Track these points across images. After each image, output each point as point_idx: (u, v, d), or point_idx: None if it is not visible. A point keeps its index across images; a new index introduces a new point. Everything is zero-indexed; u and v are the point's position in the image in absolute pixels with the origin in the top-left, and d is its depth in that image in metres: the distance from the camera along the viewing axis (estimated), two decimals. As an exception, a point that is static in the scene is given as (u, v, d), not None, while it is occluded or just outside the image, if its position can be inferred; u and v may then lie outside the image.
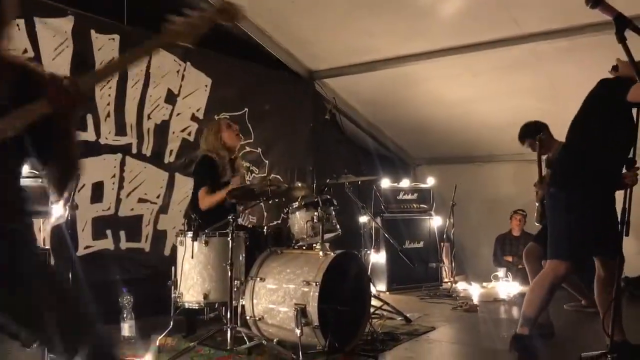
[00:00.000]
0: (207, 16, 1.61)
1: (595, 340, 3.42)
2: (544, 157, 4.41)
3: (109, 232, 4.44)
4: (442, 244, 6.95)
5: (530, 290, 3.38)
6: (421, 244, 6.76)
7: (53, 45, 4.15)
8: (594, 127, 3.27)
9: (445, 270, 6.99)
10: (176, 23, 1.60)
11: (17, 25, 4.12)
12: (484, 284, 6.53)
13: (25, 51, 4.05)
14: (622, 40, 1.89)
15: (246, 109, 5.80)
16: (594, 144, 3.24)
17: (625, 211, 2.89)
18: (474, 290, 6.02)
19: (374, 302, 4.47)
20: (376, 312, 4.60)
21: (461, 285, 6.58)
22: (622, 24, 1.90)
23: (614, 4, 2.04)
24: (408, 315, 4.67)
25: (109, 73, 1.85)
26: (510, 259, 6.81)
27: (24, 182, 2.06)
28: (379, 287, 6.23)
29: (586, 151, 3.26)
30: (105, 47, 4.51)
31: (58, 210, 3.64)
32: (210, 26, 1.62)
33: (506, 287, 6.07)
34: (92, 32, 4.43)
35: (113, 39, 4.56)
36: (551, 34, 4.96)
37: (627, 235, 2.89)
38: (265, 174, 5.93)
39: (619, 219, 3.07)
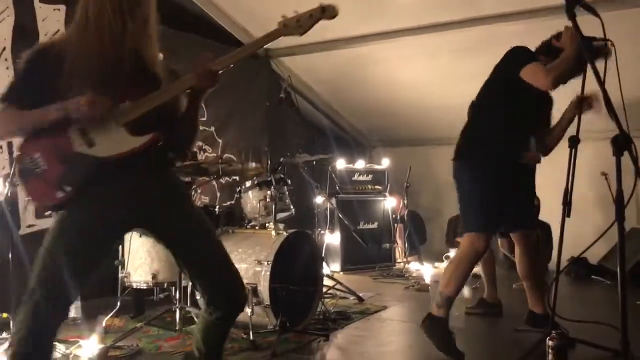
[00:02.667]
0: (314, 15, 1.91)
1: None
2: None
3: (53, 210, 4.27)
4: (395, 225, 7.00)
5: (448, 268, 3.24)
6: (375, 225, 6.79)
7: (-8, 13, 3.95)
8: (497, 100, 3.27)
9: (399, 251, 7.06)
10: (289, 19, 1.93)
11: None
12: (436, 264, 6.62)
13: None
14: (572, 17, 1.90)
15: (199, 87, 5.64)
16: (495, 118, 3.24)
17: (567, 192, 2.91)
18: (426, 271, 6.10)
19: (327, 281, 4.47)
20: (329, 291, 4.61)
21: (414, 266, 6.66)
22: (572, 0, 1.91)
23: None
24: (361, 294, 4.70)
25: (237, 59, 2.06)
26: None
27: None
28: (332, 267, 6.25)
29: (488, 123, 3.27)
30: (50, 17, 4.30)
31: (-4, 187, 3.48)
32: (315, 24, 1.93)
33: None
34: (36, 1, 4.22)
35: (58, 9, 4.35)
36: (507, 16, 5.00)
37: (568, 216, 2.92)
38: (218, 153, 5.82)
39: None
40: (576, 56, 2.84)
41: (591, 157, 5.97)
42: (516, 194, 3.30)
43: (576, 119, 2.98)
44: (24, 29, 4.10)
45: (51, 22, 4.29)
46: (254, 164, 4.76)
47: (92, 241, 1.97)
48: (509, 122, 3.22)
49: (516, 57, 3.18)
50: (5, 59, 3.98)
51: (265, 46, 6.84)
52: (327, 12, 1.90)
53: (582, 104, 3.06)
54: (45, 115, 1.92)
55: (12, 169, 3.43)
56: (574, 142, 2.91)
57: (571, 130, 3.08)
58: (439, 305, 3.16)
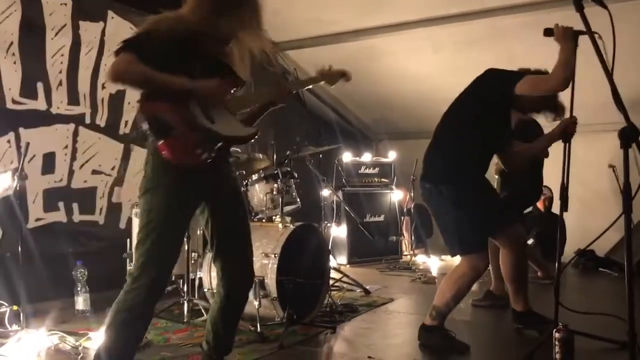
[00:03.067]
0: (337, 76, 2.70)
1: (548, 312, 3.49)
2: None
3: (61, 204, 4.29)
4: (402, 217, 7.00)
5: (447, 285, 3.17)
6: (382, 218, 6.80)
7: (0, 8, 3.95)
8: (471, 123, 3.19)
9: (405, 244, 7.06)
10: (324, 72, 2.69)
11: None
12: (443, 257, 6.62)
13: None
14: (579, 9, 1.89)
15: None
16: (470, 139, 3.16)
17: (563, 187, 2.90)
18: (432, 263, 6.11)
19: (333, 274, 4.48)
20: (336, 284, 4.62)
21: (420, 258, 6.67)
22: (579, -8, 1.90)
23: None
24: (367, 287, 4.71)
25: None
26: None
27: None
28: (339, 260, 6.26)
29: (461, 145, 3.17)
30: (57, 12, 4.31)
31: (5, 181, 3.50)
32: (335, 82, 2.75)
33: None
34: (42, -5, 4.23)
35: (65, 3, 4.36)
36: (512, 8, 4.97)
37: (566, 210, 2.91)
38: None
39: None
40: (575, 49, 2.83)
41: (603, 149, 5.96)
42: (494, 200, 3.31)
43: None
44: (31, 24, 4.11)
45: (58, 17, 4.31)
46: (261, 156, 4.76)
47: (184, 205, 2.28)
48: (485, 142, 3.21)
49: (502, 76, 3.18)
50: (13, 54, 4.00)
51: (270, 39, 6.78)
52: (346, 77, 2.72)
53: (567, 131, 3.05)
54: (177, 82, 2.13)
55: (21, 162, 3.45)
56: (567, 136, 2.91)
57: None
58: (433, 318, 3.16)
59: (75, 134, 4.41)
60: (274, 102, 2.55)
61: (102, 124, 4.60)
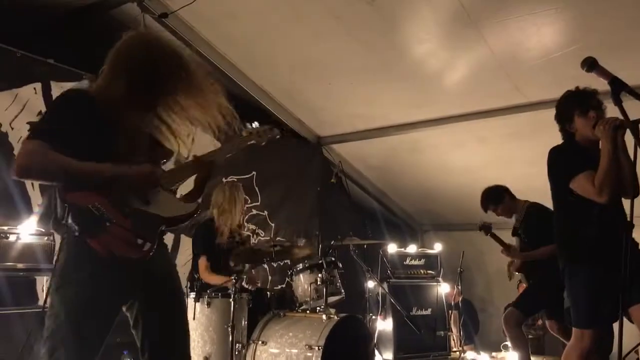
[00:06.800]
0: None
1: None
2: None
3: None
4: (450, 311, 6.80)
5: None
6: (429, 311, 6.61)
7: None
8: (559, 202, 3.22)
9: (454, 339, 6.81)
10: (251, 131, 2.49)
11: (34, 88, 4.27)
12: (494, 353, 6.35)
13: (40, 113, 4.18)
14: (618, 103, 1.93)
15: (254, 172, 5.86)
16: (566, 218, 3.19)
17: (624, 281, 2.78)
18: (482, 360, 5.86)
19: (379, 369, 4.35)
20: (381, 380, 4.47)
21: (470, 355, 6.40)
22: (617, 87, 1.95)
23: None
24: (415, 384, 4.54)
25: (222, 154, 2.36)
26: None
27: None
28: (385, 355, 6.06)
29: (562, 224, 3.22)
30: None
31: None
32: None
33: (516, 356, 5.89)
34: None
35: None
36: (554, 102, 5.04)
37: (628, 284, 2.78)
38: (270, 237, 5.92)
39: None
40: (616, 149, 2.76)
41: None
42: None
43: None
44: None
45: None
46: (302, 242, 4.79)
47: (104, 309, 1.98)
48: (578, 216, 3.12)
49: (558, 166, 3.17)
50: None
51: (317, 134, 6.92)
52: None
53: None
54: (105, 171, 1.89)
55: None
56: (628, 227, 2.80)
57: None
58: None
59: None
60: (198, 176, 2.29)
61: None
